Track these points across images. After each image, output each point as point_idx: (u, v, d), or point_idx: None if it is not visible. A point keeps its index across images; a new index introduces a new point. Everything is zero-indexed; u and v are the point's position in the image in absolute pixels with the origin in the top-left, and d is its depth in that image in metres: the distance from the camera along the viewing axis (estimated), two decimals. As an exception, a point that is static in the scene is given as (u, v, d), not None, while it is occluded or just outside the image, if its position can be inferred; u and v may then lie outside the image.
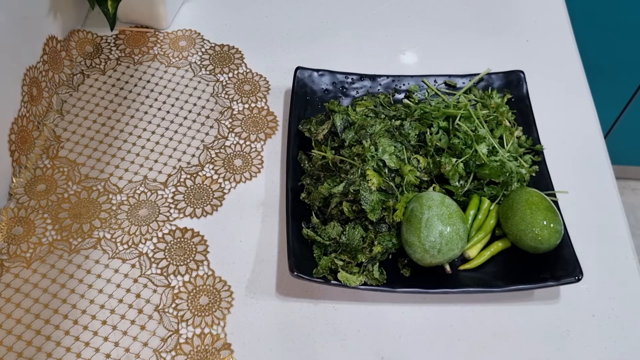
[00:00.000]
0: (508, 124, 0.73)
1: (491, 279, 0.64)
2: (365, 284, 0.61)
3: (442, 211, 0.61)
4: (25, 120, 0.71)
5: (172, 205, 0.69)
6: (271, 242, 0.68)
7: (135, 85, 0.80)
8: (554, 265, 0.64)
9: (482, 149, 0.68)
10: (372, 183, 0.63)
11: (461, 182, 0.68)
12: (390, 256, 0.65)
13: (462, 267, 0.65)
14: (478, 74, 0.79)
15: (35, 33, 0.73)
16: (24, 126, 0.70)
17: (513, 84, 0.79)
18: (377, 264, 0.63)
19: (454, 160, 0.68)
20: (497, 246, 0.66)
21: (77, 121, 0.76)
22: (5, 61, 0.67)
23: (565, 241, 0.64)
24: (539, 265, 0.64)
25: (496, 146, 0.69)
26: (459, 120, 0.71)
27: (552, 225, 0.62)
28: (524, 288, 0.62)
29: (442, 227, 0.61)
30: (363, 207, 0.62)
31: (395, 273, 0.64)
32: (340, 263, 0.62)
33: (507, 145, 0.71)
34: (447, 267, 0.63)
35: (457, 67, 0.84)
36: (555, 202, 0.68)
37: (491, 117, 0.73)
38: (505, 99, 0.76)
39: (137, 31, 0.85)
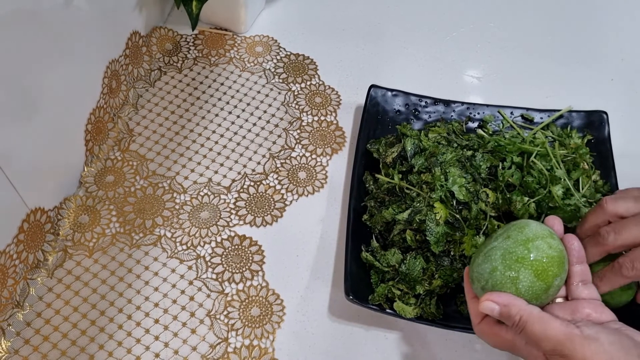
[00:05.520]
0: (586, 166, 0.70)
1: (553, 328, 0.61)
2: (420, 317, 0.60)
3: (512, 250, 0.58)
4: (102, 111, 0.72)
5: (234, 211, 0.69)
6: (328, 260, 0.67)
7: (209, 86, 0.81)
8: (622, 322, 0.60)
9: (558, 190, 0.65)
10: (440, 216, 0.61)
11: (530, 222, 0.66)
12: (449, 290, 0.63)
13: (523, 312, 0.62)
14: (557, 110, 0.76)
15: (121, 27, 0.75)
16: (100, 117, 0.72)
17: (594, 124, 0.75)
18: (435, 297, 0.61)
19: (525, 198, 0.65)
20: (562, 294, 0.62)
21: (150, 117, 0.77)
22: (91, 53, 0.68)
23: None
24: (606, 320, 0.61)
25: (572, 189, 0.66)
26: (535, 157, 0.68)
27: (625, 280, 0.59)
28: (587, 343, 0.59)
29: (495, 265, 0.54)
30: (427, 238, 0.61)
31: (453, 309, 0.62)
32: (398, 292, 0.60)
33: (582, 189, 0.68)
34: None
35: (534, 99, 0.81)
36: (629, 255, 0.64)
37: (569, 157, 0.70)
38: (585, 140, 0.73)
39: (216, 33, 0.86)
